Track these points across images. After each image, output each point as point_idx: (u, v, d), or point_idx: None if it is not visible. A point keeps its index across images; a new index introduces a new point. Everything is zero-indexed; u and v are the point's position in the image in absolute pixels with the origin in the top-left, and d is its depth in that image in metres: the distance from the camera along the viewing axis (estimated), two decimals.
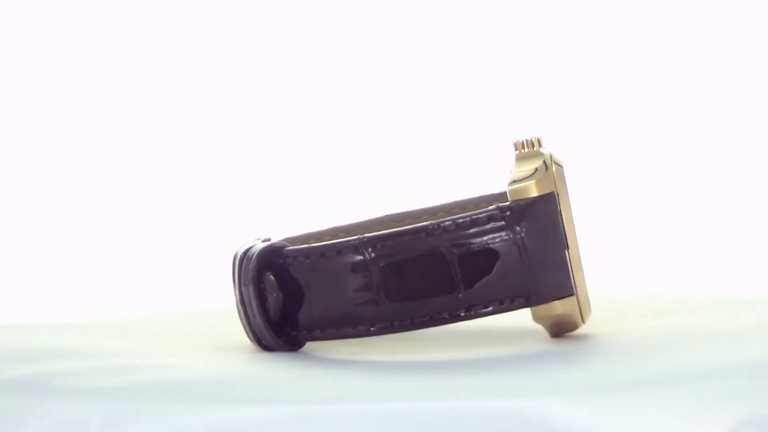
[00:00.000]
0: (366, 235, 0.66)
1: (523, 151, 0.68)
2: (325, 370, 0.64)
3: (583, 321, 0.67)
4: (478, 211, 0.65)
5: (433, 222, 0.65)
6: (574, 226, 0.69)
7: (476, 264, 0.65)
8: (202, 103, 1.10)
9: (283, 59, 1.11)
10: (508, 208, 0.65)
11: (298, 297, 0.67)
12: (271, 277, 0.68)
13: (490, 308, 0.65)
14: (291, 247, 0.68)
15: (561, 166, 0.69)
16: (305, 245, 0.69)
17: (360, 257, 0.66)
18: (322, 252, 0.67)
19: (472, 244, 0.65)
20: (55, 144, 1.08)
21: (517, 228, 0.65)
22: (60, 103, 1.09)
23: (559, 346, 0.66)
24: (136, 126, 1.10)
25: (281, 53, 1.11)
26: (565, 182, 0.69)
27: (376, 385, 0.59)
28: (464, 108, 1.10)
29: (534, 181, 0.66)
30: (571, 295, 0.66)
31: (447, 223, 0.65)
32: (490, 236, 0.65)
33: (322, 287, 0.67)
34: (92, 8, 1.08)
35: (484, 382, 0.59)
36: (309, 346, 0.68)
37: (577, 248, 0.69)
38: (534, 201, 0.66)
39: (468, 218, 0.65)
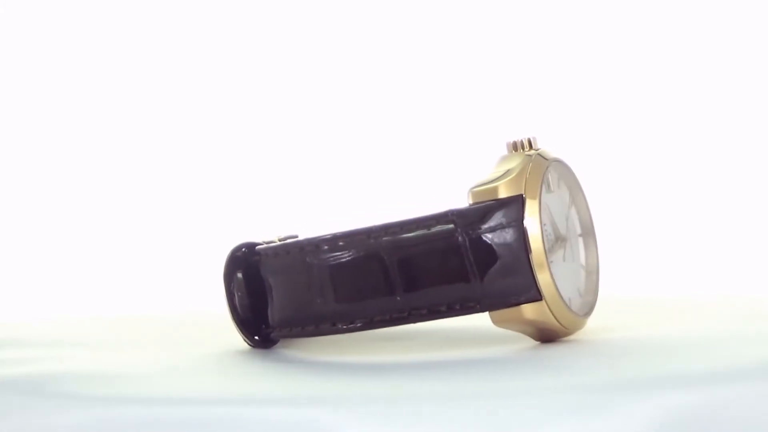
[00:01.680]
0: (319, 236, 0.66)
1: (512, 152, 0.67)
2: (247, 367, 0.64)
3: (561, 325, 0.65)
4: (428, 215, 0.64)
5: (380, 225, 0.64)
6: (576, 231, 0.68)
7: (416, 267, 0.63)
8: (203, 105, 1.10)
9: (282, 60, 1.10)
10: (459, 211, 0.64)
11: (265, 295, 0.68)
12: (239, 275, 0.68)
13: (435, 311, 0.63)
14: (262, 246, 0.69)
15: (555, 167, 0.67)
16: (276, 243, 0.69)
17: (309, 258, 0.66)
18: (287, 250, 0.67)
19: (412, 247, 0.64)
20: (50, 144, 1.07)
21: (467, 232, 0.63)
22: (57, 103, 1.07)
23: (543, 350, 0.64)
24: (135, 126, 1.08)
25: (279, 55, 1.10)
26: (561, 182, 0.68)
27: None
28: (468, 108, 1.09)
29: (496, 184, 0.65)
30: (536, 300, 0.64)
31: (393, 226, 0.64)
32: (434, 240, 0.64)
33: (281, 286, 0.67)
34: (92, 8, 1.06)
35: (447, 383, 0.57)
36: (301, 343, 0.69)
37: (577, 254, 0.68)
38: (492, 204, 0.64)
39: (415, 222, 0.64)
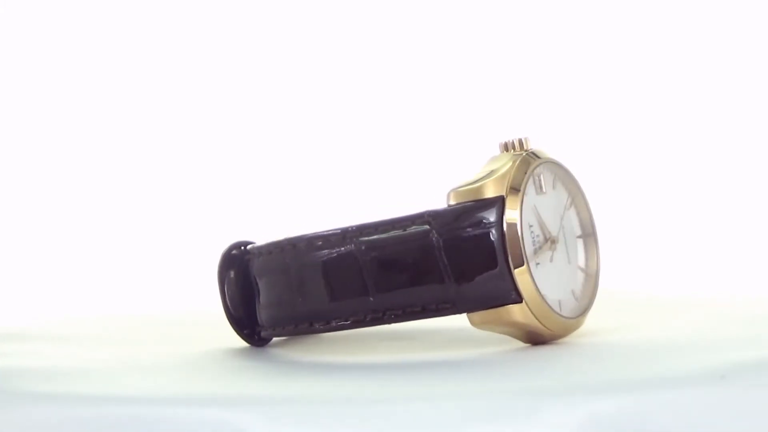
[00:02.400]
0: (297, 235, 0.66)
1: (503, 152, 0.66)
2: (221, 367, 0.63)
3: (546, 327, 0.64)
4: (405, 215, 0.63)
5: (356, 225, 0.64)
6: (574, 233, 0.67)
7: (390, 268, 0.63)
8: (202, 106, 1.10)
9: (280, 60, 1.10)
10: (435, 212, 0.63)
11: (255, 294, 0.68)
12: (231, 274, 0.69)
13: (410, 312, 0.63)
14: (254, 245, 0.69)
15: (549, 168, 0.66)
16: (261, 243, 0.69)
17: (288, 258, 0.66)
18: (269, 250, 0.67)
19: (386, 248, 0.63)
20: (48, 144, 1.09)
21: (442, 233, 0.62)
22: (56, 103, 1.08)
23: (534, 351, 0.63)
24: (135, 127, 1.10)
25: (276, 55, 1.10)
26: (557, 183, 0.67)
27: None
28: (469, 109, 1.08)
29: (475, 185, 0.64)
30: (515, 303, 0.62)
31: (368, 226, 0.64)
32: (408, 241, 0.63)
33: (266, 285, 0.68)
34: (92, 8, 1.07)
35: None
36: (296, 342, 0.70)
37: (574, 256, 0.67)
38: (469, 206, 0.63)
39: (390, 223, 0.64)
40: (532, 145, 0.67)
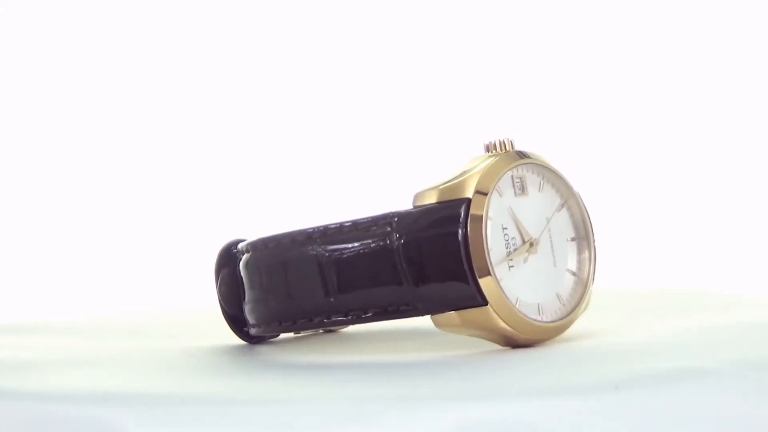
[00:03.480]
0: (268, 235, 0.67)
1: (486, 153, 0.66)
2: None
3: (517, 331, 0.63)
4: (369, 216, 0.63)
5: (322, 225, 0.65)
6: (564, 235, 0.66)
7: (350, 269, 0.63)
8: (201, 104, 1.12)
9: (279, 59, 1.11)
10: (398, 214, 0.63)
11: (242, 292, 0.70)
12: (226, 271, 0.70)
13: (370, 314, 0.63)
14: (244, 242, 0.70)
15: (535, 170, 0.66)
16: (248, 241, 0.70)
17: (260, 257, 0.67)
18: (247, 249, 0.69)
19: (346, 249, 0.64)
20: (46, 143, 1.11)
21: (403, 234, 0.62)
22: (54, 103, 1.11)
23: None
24: (136, 127, 1.12)
25: (273, 54, 1.11)
26: (545, 185, 0.66)
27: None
28: (470, 110, 1.07)
29: (442, 186, 0.64)
30: (478, 305, 0.62)
31: (331, 227, 0.64)
32: (368, 242, 0.63)
33: (246, 283, 0.69)
34: (91, 8, 1.09)
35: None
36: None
37: (563, 259, 0.66)
38: (433, 207, 0.63)
39: (354, 224, 0.64)
40: (518, 147, 0.67)
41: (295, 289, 0.65)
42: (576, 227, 0.68)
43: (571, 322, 0.66)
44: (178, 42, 1.11)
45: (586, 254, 0.68)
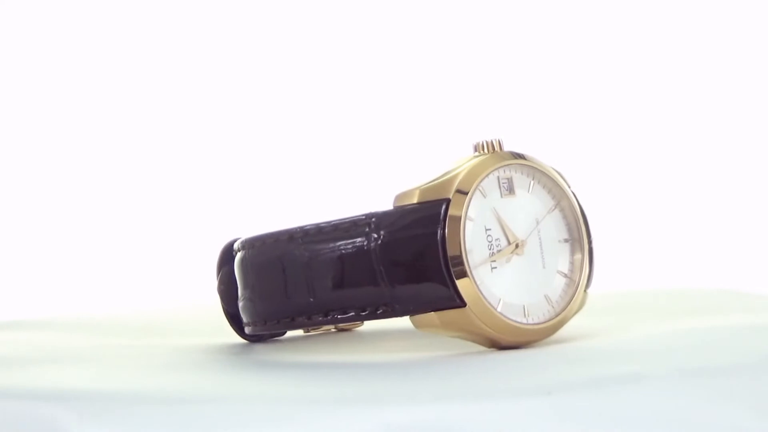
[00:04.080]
0: (254, 235, 0.67)
1: (473, 153, 0.66)
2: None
3: (497, 332, 0.63)
4: (349, 217, 0.63)
5: (303, 226, 0.65)
6: (555, 237, 0.66)
7: (328, 269, 0.64)
8: (201, 103, 1.12)
9: (278, 59, 1.11)
10: (377, 214, 0.63)
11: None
12: (225, 270, 0.71)
13: (349, 314, 0.64)
14: (238, 240, 0.70)
15: (524, 171, 0.65)
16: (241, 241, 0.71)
17: (246, 257, 0.68)
18: (238, 248, 0.69)
19: (325, 250, 0.64)
20: (44, 143, 1.12)
21: (381, 235, 0.62)
22: (53, 102, 1.12)
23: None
24: (136, 128, 1.12)
25: (270, 56, 1.11)
26: (534, 186, 0.66)
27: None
28: (470, 111, 1.07)
29: (422, 187, 0.64)
30: (456, 307, 0.62)
31: (313, 228, 0.65)
32: (347, 243, 0.63)
33: (238, 283, 0.69)
34: (89, 7, 1.10)
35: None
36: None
37: (553, 260, 0.66)
38: (411, 208, 0.63)
39: (333, 225, 0.64)
40: (508, 147, 0.66)
41: (278, 289, 0.66)
42: (569, 229, 0.67)
43: (561, 324, 0.66)
44: (171, 43, 1.12)
45: (579, 256, 0.67)
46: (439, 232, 0.62)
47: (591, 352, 0.60)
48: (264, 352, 0.69)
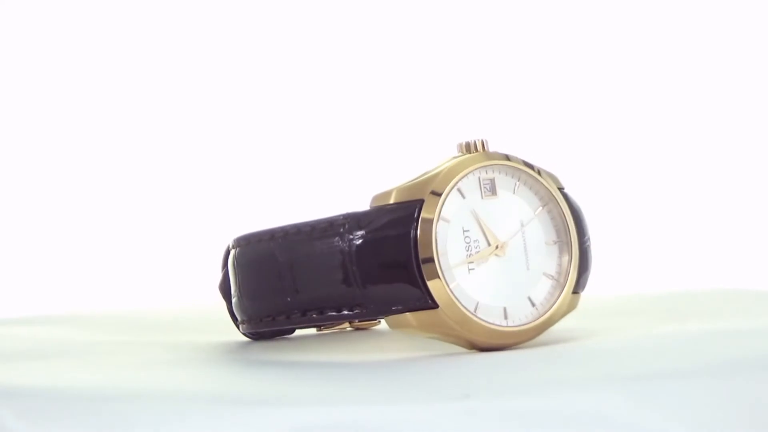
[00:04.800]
0: (241, 234, 0.68)
1: (458, 153, 0.65)
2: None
3: (473, 334, 0.62)
4: (325, 217, 0.63)
5: (283, 226, 0.65)
6: (542, 239, 0.65)
7: (304, 270, 0.64)
8: (200, 102, 1.12)
9: (276, 59, 1.10)
10: (352, 215, 0.64)
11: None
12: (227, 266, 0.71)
13: (326, 314, 0.64)
14: (236, 237, 0.71)
15: (509, 172, 0.65)
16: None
17: (232, 256, 0.69)
18: (228, 248, 0.70)
19: (302, 250, 0.64)
20: (43, 142, 1.12)
21: (355, 236, 0.63)
22: (52, 101, 1.12)
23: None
24: (137, 126, 1.13)
25: (270, 53, 1.11)
26: (520, 187, 0.65)
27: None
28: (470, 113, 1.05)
29: (398, 187, 0.64)
30: (428, 308, 0.61)
31: (292, 228, 0.65)
32: (321, 243, 0.64)
33: (231, 280, 0.70)
34: (87, 7, 1.11)
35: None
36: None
37: (539, 263, 0.65)
38: (385, 208, 0.63)
39: (310, 225, 0.64)
40: (494, 148, 0.66)
41: (259, 288, 0.66)
42: (557, 231, 0.67)
43: (546, 326, 0.65)
44: (176, 45, 1.13)
45: (567, 258, 0.66)
46: (411, 233, 0.62)
47: (565, 354, 0.60)
48: (258, 350, 0.70)
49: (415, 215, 0.62)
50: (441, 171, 0.64)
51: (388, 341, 0.72)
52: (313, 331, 0.78)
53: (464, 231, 0.64)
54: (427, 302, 0.62)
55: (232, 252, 0.69)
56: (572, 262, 0.66)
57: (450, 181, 0.63)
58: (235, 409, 0.46)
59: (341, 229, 0.63)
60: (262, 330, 0.68)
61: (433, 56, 1.09)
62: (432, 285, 0.62)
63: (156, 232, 1.09)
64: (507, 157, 0.66)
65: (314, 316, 0.64)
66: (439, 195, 0.63)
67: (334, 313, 0.64)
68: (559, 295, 0.65)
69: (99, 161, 1.12)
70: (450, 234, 0.63)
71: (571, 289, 0.66)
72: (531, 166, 0.66)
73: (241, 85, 1.13)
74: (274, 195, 1.09)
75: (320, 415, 0.46)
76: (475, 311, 0.63)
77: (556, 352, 0.61)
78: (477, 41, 1.08)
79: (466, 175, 0.64)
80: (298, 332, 0.77)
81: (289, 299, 0.64)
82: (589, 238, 0.68)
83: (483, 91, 1.08)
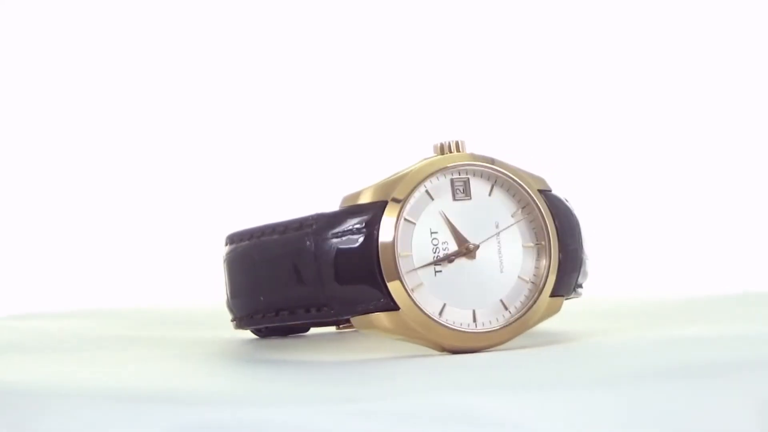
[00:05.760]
0: (233, 231, 0.69)
1: (432, 154, 0.65)
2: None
3: (436, 336, 0.62)
4: (296, 218, 0.64)
5: (261, 225, 0.66)
6: (519, 242, 0.65)
7: (273, 269, 0.64)
8: (200, 101, 1.11)
9: (276, 59, 1.10)
10: (319, 216, 0.64)
11: None
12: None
13: (297, 314, 0.64)
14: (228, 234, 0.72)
15: (485, 175, 0.64)
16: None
17: (224, 255, 0.69)
18: (226, 241, 0.71)
19: (274, 250, 0.65)
20: (38, 138, 1.13)
21: (320, 237, 0.63)
22: (51, 101, 1.13)
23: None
24: (137, 129, 1.13)
25: (270, 54, 1.10)
26: (496, 190, 0.65)
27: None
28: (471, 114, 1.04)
29: (367, 189, 0.64)
30: (389, 310, 0.62)
31: (266, 228, 0.66)
32: (289, 243, 0.64)
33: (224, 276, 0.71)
34: (86, 7, 1.11)
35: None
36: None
37: (514, 265, 0.65)
38: (350, 209, 0.63)
39: (283, 225, 0.65)
40: (469, 149, 0.65)
41: (239, 287, 0.67)
42: (536, 234, 0.66)
43: (520, 330, 0.64)
44: (171, 44, 1.13)
45: (546, 262, 0.65)
46: (374, 233, 0.62)
47: (525, 356, 0.59)
48: (254, 350, 0.70)
49: (379, 216, 0.62)
50: (409, 172, 0.64)
51: (389, 341, 0.71)
52: (332, 328, 0.78)
53: (432, 233, 0.63)
54: (389, 304, 0.62)
55: (224, 249, 0.70)
56: (551, 266, 0.65)
57: (415, 182, 0.63)
58: (235, 408, 0.47)
59: (308, 230, 0.64)
60: (248, 328, 0.69)
61: (417, 56, 1.08)
62: (392, 287, 0.62)
63: (156, 232, 1.11)
64: (483, 159, 0.65)
65: (286, 315, 0.65)
66: (404, 196, 0.63)
67: (302, 313, 0.64)
68: (536, 299, 0.65)
69: (105, 157, 1.13)
70: (415, 235, 0.63)
71: (549, 293, 0.65)
72: (509, 168, 0.65)
73: (241, 85, 1.13)
74: (278, 192, 1.10)
75: (196, 414, 0.46)
76: (440, 313, 0.63)
77: (528, 354, 0.61)
78: (461, 40, 1.08)
79: (434, 175, 0.64)
80: (313, 330, 0.77)
81: (262, 298, 0.65)
82: (580, 241, 0.68)
83: (481, 90, 1.07)
